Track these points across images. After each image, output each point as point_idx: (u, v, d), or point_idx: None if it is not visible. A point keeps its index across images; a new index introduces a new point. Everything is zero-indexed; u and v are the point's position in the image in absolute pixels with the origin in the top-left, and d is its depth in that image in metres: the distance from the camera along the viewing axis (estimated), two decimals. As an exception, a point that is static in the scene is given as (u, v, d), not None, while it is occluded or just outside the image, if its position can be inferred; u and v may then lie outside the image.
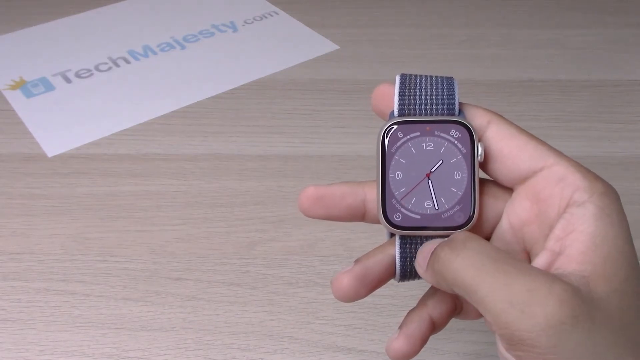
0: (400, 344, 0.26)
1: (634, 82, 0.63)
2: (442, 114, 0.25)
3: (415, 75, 0.26)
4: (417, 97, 0.25)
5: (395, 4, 0.76)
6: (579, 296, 0.21)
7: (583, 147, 0.55)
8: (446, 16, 0.74)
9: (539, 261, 0.23)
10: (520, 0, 0.77)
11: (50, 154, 0.53)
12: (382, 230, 0.26)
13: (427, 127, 0.25)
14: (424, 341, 0.26)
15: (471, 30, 0.71)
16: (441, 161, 0.25)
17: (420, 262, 0.25)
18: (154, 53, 0.67)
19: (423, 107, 0.25)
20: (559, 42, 0.69)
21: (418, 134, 0.25)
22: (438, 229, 0.25)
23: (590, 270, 0.22)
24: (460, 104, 0.25)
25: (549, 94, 0.61)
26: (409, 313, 0.27)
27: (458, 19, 0.74)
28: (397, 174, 0.25)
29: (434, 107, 0.25)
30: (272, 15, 0.74)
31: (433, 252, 0.24)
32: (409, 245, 0.26)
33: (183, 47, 0.68)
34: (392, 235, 0.26)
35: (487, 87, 0.62)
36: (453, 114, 0.25)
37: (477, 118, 0.25)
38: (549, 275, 0.21)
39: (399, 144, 0.25)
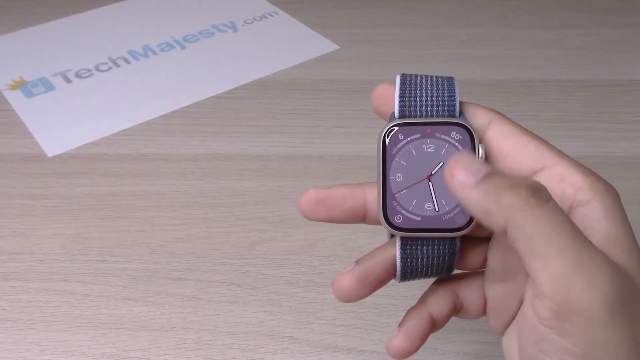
0: (399, 341, 0.26)
1: (634, 82, 0.63)
2: (443, 115, 0.25)
3: (416, 76, 0.26)
4: (418, 99, 0.25)
5: (395, 4, 0.76)
6: (629, 281, 0.21)
7: (583, 147, 0.55)
8: (446, 16, 0.74)
9: None
10: (521, 0, 0.77)
11: (50, 154, 0.53)
12: (382, 230, 0.26)
13: (428, 128, 0.25)
14: (423, 339, 0.26)
15: (471, 30, 0.71)
16: (442, 163, 0.25)
17: (464, 175, 0.22)
18: (154, 53, 0.67)
19: (424, 108, 0.25)
20: (559, 42, 0.69)
21: (419, 135, 0.25)
22: (439, 230, 0.25)
23: None
24: (461, 103, 0.25)
25: (549, 94, 0.61)
26: (408, 311, 0.27)
27: (458, 19, 0.74)
28: (398, 176, 0.25)
29: (434, 108, 0.25)
30: (272, 15, 0.74)
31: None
32: (410, 247, 0.26)
33: (183, 47, 0.68)
34: (392, 235, 0.26)
35: (487, 87, 0.62)
36: (454, 116, 0.25)
37: (478, 117, 0.25)
38: (605, 255, 0.21)
39: (399, 145, 0.25)
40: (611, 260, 0.21)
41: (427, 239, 0.26)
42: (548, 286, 0.20)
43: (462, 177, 0.22)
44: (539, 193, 0.21)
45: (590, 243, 0.21)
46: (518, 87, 0.62)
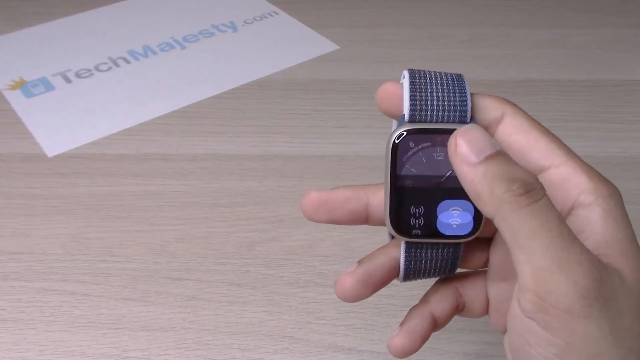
0: (400, 339, 0.26)
1: (633, 82, 0.63)
2: (454, 121, 0.24)
3: (424, 73, 0.25)
4: (429, 102, 0.24)
5: (395, 4, 0.76)
6: (613, 280, 0.21)
7: (583, 147, 0.55)
8: (446, 16, 0.74)
9: None
10: (521, 0, 0.77)
11: (50, 154, 0.53)
12: (382, 230, 0.26)
13: (439, 137, 0.24)
14: (424, 338, 0.26)
15: (471, 30, 0.71)
16: (451, 172, 0.24)
17: (467, 150, 0.22)
18: (154, 53, 0.67)
19: (435, 113, 0.24)
20: (559, 42, 0.69)
21: (429, 143, 0.24)
22: (446, 237, 0.25)
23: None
24: (472, 94, 0.25)
25: (549, 94, 0.61)
26: (410, 310, 0.27)
27: (458, 19, 0.74)
28: (407, 183, 0.25)
29: (445, 113, 0.24)
30: (272, 15, 0.74)
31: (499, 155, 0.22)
32: (415, 250, 0.26)
33: (183, 47, 0.68)
34: (393, 236, 0.26)
35: (487, 87, 0.62)
36: (465, 121, 0.24)
37: (490, 111, 0.25)
38: (592, 254, 0.21)
39: (410, 153, 0.24)
40: (596, 260, 0.21)
41: (433, 243, 0.26)
42: (529, 279, 0.21)
43: (464, 151, 0.22)
44: (532, 191, 0.22)
45: (577, 242, 0.21)
46: (518, 87, 0.62)
